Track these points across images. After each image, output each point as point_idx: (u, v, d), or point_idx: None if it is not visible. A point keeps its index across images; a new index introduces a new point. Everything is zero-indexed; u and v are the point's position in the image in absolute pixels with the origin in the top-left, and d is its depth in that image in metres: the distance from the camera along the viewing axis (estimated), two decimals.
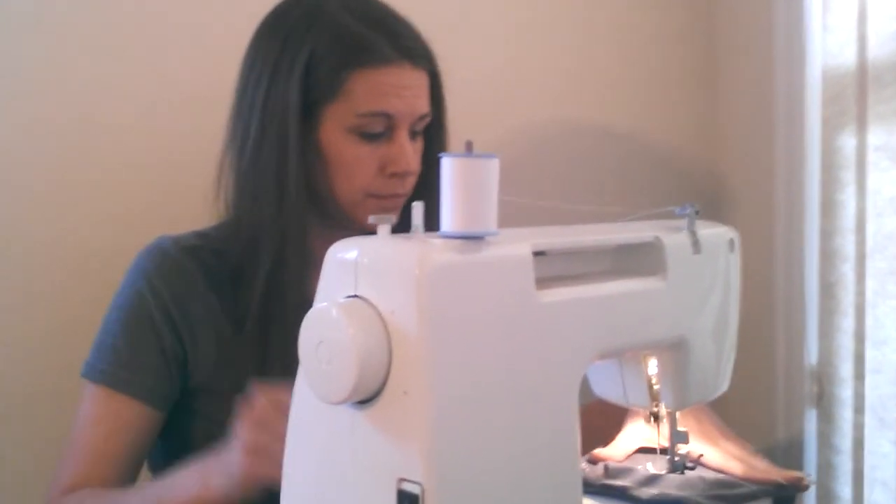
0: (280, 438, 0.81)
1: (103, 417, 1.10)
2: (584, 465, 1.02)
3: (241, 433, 0.94)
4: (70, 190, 1.36)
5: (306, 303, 1.02)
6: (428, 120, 1.18)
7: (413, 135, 1.16)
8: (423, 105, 1.16)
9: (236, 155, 1.15)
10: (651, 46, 1.98)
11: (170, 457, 1.13)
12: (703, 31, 2.04)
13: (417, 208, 0.77)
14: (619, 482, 0.98)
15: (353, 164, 1.12)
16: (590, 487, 0.98)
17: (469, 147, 0.75)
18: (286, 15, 1.15)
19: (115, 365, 1.10)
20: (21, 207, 1.33)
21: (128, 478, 1.11)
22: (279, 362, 1.07)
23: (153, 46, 1.41)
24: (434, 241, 0.74)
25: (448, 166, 0.74)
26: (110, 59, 1.38)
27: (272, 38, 1.14)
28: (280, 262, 1.11)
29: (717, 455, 1.04)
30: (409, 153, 1.14)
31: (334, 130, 1.12)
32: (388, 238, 0.75)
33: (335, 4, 1.13)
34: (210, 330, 1.13)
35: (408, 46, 1.14)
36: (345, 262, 0.75)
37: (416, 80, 1.14)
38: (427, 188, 1.13)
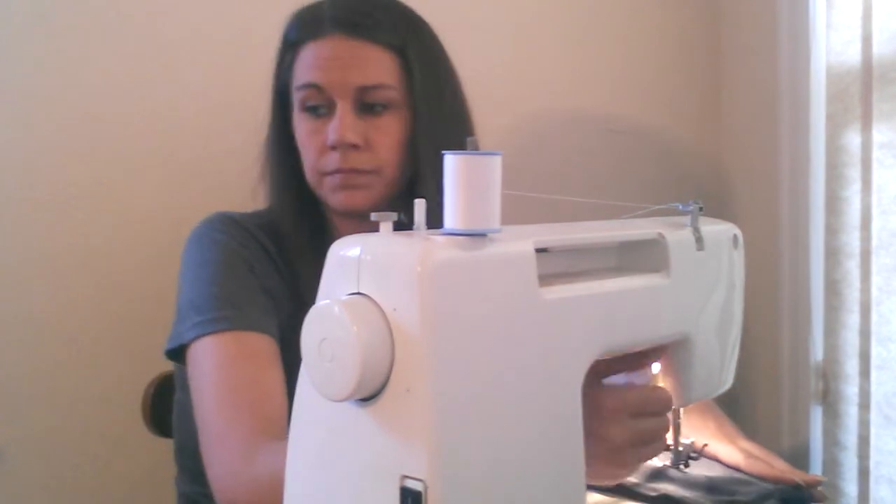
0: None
1: (244, 356, 1.02)
2: None
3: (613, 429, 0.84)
4: (73, 189, 1.36)
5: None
6: (389, 94, 1.13)
7: (368, 108, 1.13)
8: (359, 76, 1.12)
9: (265, 147, 1.23)
10: (656, 44, 1.97)
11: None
12: (707, 29, 2.04)
13: (420, 205, 0.77)
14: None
15: (304, 141, 1.15)
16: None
17: (472, 144, 0.75)
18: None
19: (232, 308, 1.05)
20: (24, 207, 1.33)
21: (283, 407, 1.01)
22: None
23: (158, 47, 1.41)
24: (437, 238, 0.74)
25: (451, 163, 0.74)
26: (113, 60, 1.38)
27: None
28: (293, 246, 1.16)
29: (737, 454, 1.04)
30: (343, 125, 1.11)
31: (295, 112, 1.16)
32: (391, 235, 0.75)
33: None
34: (277, 293, 1.13)
35: (346, 18, 1.13)
36: (347, 259, 0.74)
37: (351, 51, 1.12)
38: (417, 174, 1.16)
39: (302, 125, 1.14)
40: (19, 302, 1.34)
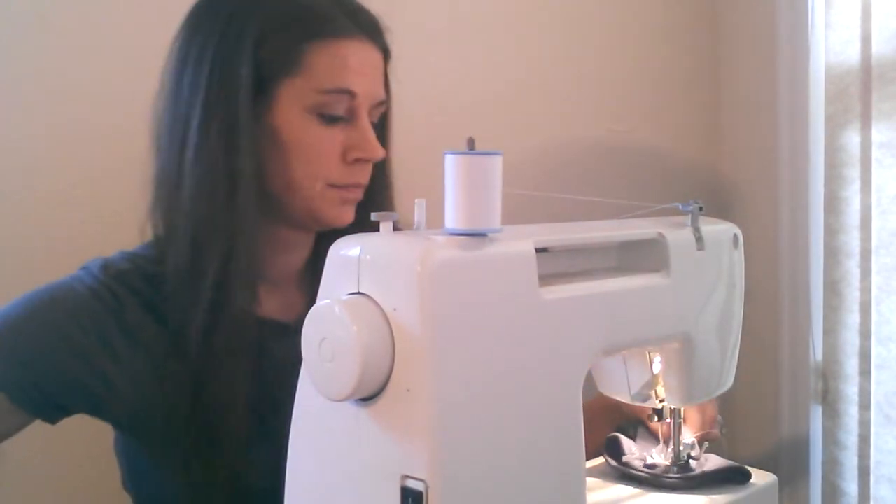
0: None
1: None
2: None
3: None
4: (74, 190, 1.36)
5: (253, 317, 0.98)
6: (383, 109, 1.09)
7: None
8: (382, 89, 1.06)
9: (176, 149, 1.01)
10: (655, 44, 1.97)
11: (136, 484, 1.10)
12: (707, 29, 2.04)
13: (420, 206, 0.77)
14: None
15: (313, 148, 1.01)
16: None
17: (471, 144, 0.75)
18: None
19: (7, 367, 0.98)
20: (24, 207, 1.33)
21: None
22: (219, 379, 0.99)
23: (157, 45, 1.42)
24: (437, 237, 0.74)
25: (451, 163, 0.74)
26: (112, 59, 1.38)
27: (214, 16, 1.02)
28: (227, 269, 0.99)
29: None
30: (374, 137, 1.04)
31: (291, 111, 1.00)
32: (391, 235, 0.75)
33: None
34: (137, 363, 1.00)
35: (367, 21, 1.05)
36: (347, 259, 0.74)
37: (376, 60, 1.05)
38: (376, 187, 1.08)
39: (312, 130, 1.01)
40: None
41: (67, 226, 1.36)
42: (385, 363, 0.70)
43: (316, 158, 1.01)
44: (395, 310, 0.71)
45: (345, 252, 0.75)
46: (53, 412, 1.02)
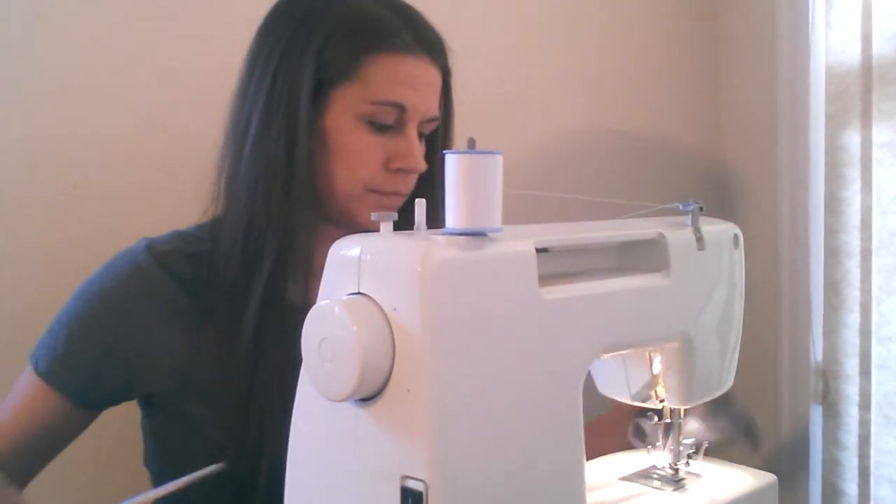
0: None
1: (28, 402, 1.08)
2: None
3: None
4: (74, 190, 1.36)
5: (299, 305, 1.00)
6: (436, 125, 1.13)
7: (419, 136, 1.11)
8: (435, 106, 1.10)
9: (238, 141, 1.09)
10: (656, 45, 1.97)
11: (158, 460, 1.14)
12: (707, 30, 2.04)
13: (420, 205, 0.77)
14: None
15: (358, 153, 1.06)
16: None
17: (472, 143, 0.75)
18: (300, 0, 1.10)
19: (53, 359, 1.07)
20: (24, 207, 1.33)
21: (29, 462, 1.09)
22: (267, 367, 1.05)
23: (157, 45, 1.41)
24: (437, 237, 0.74)
25: (451, 163, 0.74)
26: (113, 59, 1.38)
27: (287, 20, 1.08)
28: (282, 259, 1.05)
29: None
30: (418, 150, 1.09)
31: (343, 116, 1.06)
32: (391, 235, 0.75)
33: None
34: (175, 339, 1.07)
35: (429, 40, 1.09)
36: (347, 259, 0.74)
37: (432, 78, 1.09)
38: (429, 198, 1.11)
39: (360, 136, 1.06)
40: (19, 302, 1.34)
41: (67, 226, 1.35)
42: (385, 363, 0.70)
43: (359, 163, 1.07)
44: (395, 310, 0.71)
45: (345, 252, 0.75)
46: (109, 404, 1.11)
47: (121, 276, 1.08)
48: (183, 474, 1.00)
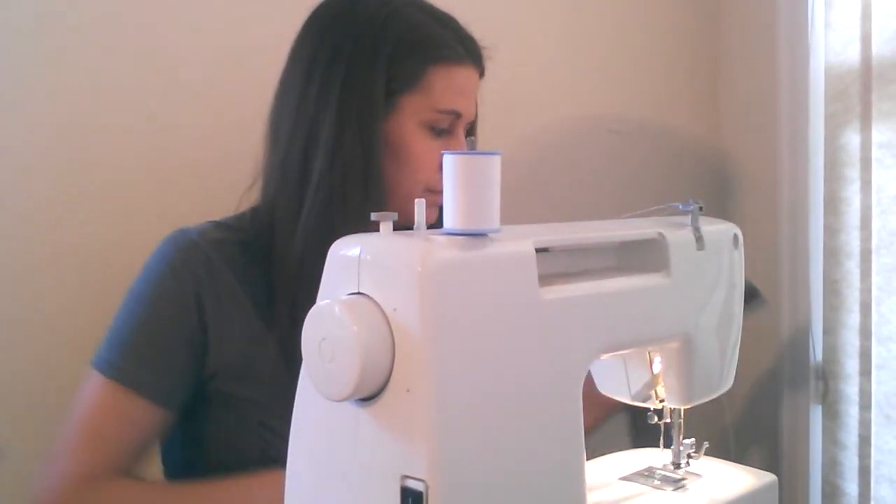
0: None
1: (112, 411, 1.08)
2: None
3: None
4: (74, 190, 1.36)
5: None
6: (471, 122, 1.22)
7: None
8: (474, 113, 1.21)
9: (299, 145, 1.13)
10: (656, 44, 1.97)
11: (185, 447, 1.15)
12: (707, 29, 2.04)
13: (420, 205, 0.77)
14: None
15: (421, 156, 1.14)
16: None
17: (471, 144, 0.75)
18: (353, 7, 1.15)
19: (129, 361, 1.08)
20: (24, 207, 1.33)
21: (129, 470, 1.10)
22: None
23: (157, 46, 1.41)
24: (437, 238, 0.74)
25: (450, 163, 0.74)
26: (111, 59, 1.38)
27: (345, 26, 1.13)
28: None
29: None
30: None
31: (408, 122, 1.14)
32: (391, 235, 0.75)
33: (402, 1, 1.16)
34: (236, 322, 1.12)
35: (474, 49, 1.18)
36: (347, 259, 0.74)
37: (476, 84, 1.19)
38: None
39: (424, 141, 1.14)
40: (19, 301, 1.34)
41: (67, 226, 1.35)
42: (385, 363, 0.70)
43: (422, 166, 1.15)
44: (395, 310, 0.70)
45: (345, 252, 0.75)
46: (182, 397, 1.12)
47: (174, 265, 1.11)
48: (223, 465, 1.06)
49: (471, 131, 1.23)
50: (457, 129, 1.17)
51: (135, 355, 1.09)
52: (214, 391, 1.12)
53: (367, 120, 1.11)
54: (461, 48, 1.16)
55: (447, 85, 1.14)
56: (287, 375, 1.06)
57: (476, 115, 1.23)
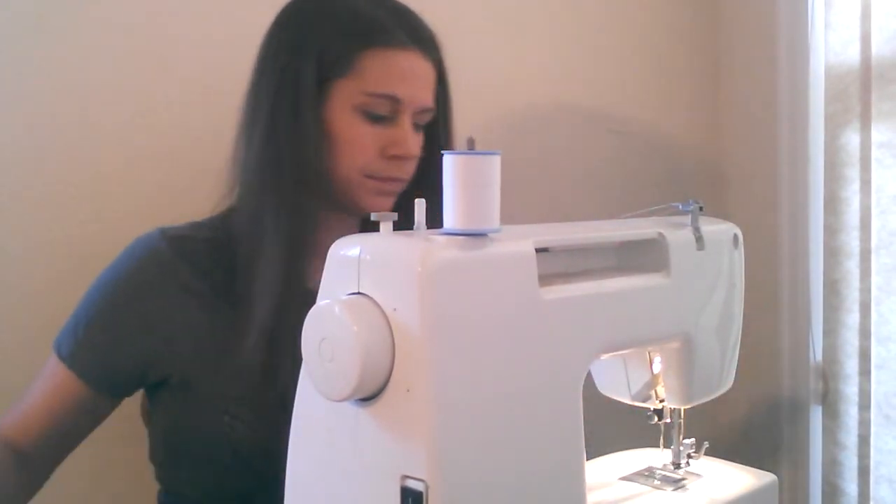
0: None
1: (52, 387, 1.13)
2: None
3: None
4: (74, 190, 1.36)
5: (308, 291, 1.04)
6: (430, 117, 1.19)
7: (416, 128, 1.17)
8: (428, 98, 1.17)
9: (249, 135, 1.16)
10: (656, 44, 1.97)
11: (166, 448, 1.16)
12: (707, 29, 2.04)
13: (420, 205, 0.77)
14: None
15: (354, 142, 1.13)
16: None
17: (471, 144, 0.75)
18: (306, 4, 1.17)
19: (74, 343, 1.12)
20: (24, 207, 1.33)
21: (55, 449, 1.14)
22: (290, 352, 1.08)
23: (154, 45, 1.41)
24: (437, 238, 0.74)
25: (450, 163, 0.74)
26: (111, 59, 1.38)
27: (291, 24, 1.16)
28: (294, 242, 1.12)
29: None
30: (411, 137, 1.15)
31: (341, 108, 1.13)
32: (391, 235, 0.75)
33: None
34: (192, 323, 1.13)
35: (420, 35, 1.16)
36: (347, 259, 0.74)
37: (424, 71, 1.16)
38: (428, 186, 1.13)
39: (356, 126, 1.13)
40: (19, 301, 1.34)
41: (67, 226, 1.36)
42: (385, 363, 0.70)
43: (356, 151, 1.13)
44: (395, 310, 0.71)
45: (345, 252, 0.75)
46: (128, 389, 1.17)
47: (136, 261, 1.14)
48: (193, 457, 1.07)
49: (434, 124, 1.20)
50: (400, 116, 1.14)
51: (78, 337, 1.12)
52: (173, 386, 1.14)
53: (299, 107, 1.12)
54: (402, 33, 1.13)
55: (384, 69, 1.12)
56: (241, 366, 1.09)
57: (444, 108, 1.21)
